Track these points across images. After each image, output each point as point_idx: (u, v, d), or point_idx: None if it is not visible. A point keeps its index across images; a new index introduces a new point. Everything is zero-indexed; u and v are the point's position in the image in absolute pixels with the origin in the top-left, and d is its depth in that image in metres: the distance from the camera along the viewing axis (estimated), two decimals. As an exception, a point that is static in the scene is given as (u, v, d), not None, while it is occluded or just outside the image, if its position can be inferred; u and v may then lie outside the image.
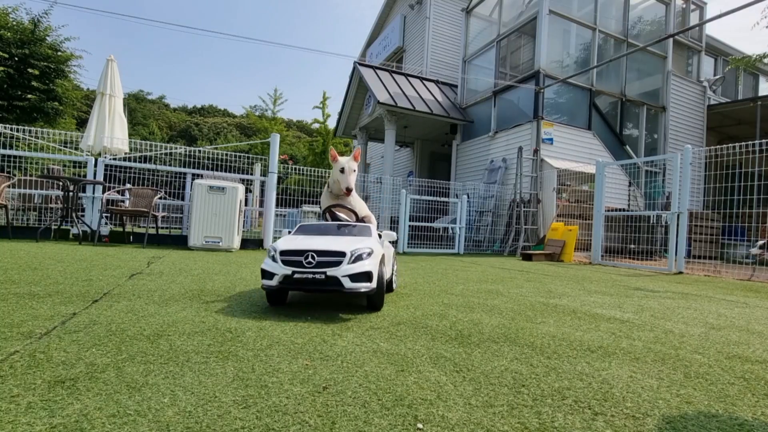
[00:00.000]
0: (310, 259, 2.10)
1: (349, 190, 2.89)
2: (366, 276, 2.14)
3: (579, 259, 7.44)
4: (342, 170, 2.93)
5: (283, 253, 2.15)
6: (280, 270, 2.11)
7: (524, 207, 8.66)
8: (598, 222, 7.06)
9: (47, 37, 12.38)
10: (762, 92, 14.67)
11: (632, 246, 7.74)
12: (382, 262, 2.33)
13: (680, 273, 5.76)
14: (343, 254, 2.13)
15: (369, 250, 2.22)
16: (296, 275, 2.09)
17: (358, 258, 2.16)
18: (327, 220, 2.99)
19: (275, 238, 6.67)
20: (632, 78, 10.69)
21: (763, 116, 10.49)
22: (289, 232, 2.60)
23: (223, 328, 1.79)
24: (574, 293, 3.40)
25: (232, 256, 5.10)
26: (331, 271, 2.08)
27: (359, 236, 2.50)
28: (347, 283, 2.09)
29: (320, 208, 3.20)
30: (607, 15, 10.42)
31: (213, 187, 5.58)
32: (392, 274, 2.90)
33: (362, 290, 2.11)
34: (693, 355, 1.73)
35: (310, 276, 2.08)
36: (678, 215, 5.84)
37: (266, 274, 2.16)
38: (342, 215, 2.96)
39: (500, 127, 10.46)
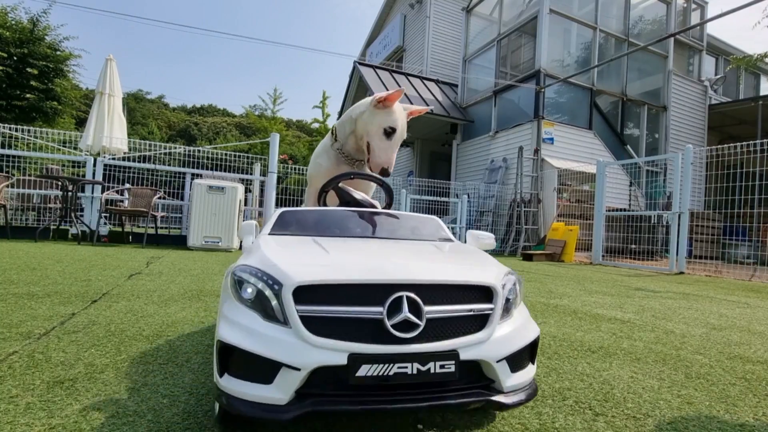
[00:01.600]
0: (407, 311, 0.79)
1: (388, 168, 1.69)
2: (531, 352, 0.97)
3: (580, 260, 7.43)
4: (392, 127, 1.70)
5: (309, 293, 0.80)
6: (308, 355, 0.76)
7: (524, 207, 8.65)
8: (598, 222, 7.05)
9: (46, 37, 12.37)
10: (763, 92, 14.65)
11: (633, 246, 7.73)
12: None
13: (681, 273, 5.75)
14: (489, 293, 0.90)
15: (514, 280, 1.01)
16: (374, 369, 0.76)
17: (508, 304, 0.94)
18: (323, 205, 1.59)
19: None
20: (633, 77, 10.68)
21: (764, 116, 10.48)
22: (257, 229, 1.34)
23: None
24: (574, 294, 3.40)
25: (232, 256, 5.10)
26: (468, 350, 0.83)
27: (434, 240, 1.30)
28: (507, 380, 0.87)
29: (311, 180, 1.92)
30: (608, 14, 10.40)
31: (212, 187, 5.57)
32: None
33: (527, 395, 0.91)
34: (694, 356, 1.72)
35: (412, 370, 0.77)
36: (679, 215, 5.83)
37: (247, 367, 0.80)
38: (360, 195, 1.55)
39: (501, 126, 10.45)
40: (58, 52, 12.57)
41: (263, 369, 0.77)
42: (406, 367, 0.77)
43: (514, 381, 0.87)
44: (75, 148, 6.44)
